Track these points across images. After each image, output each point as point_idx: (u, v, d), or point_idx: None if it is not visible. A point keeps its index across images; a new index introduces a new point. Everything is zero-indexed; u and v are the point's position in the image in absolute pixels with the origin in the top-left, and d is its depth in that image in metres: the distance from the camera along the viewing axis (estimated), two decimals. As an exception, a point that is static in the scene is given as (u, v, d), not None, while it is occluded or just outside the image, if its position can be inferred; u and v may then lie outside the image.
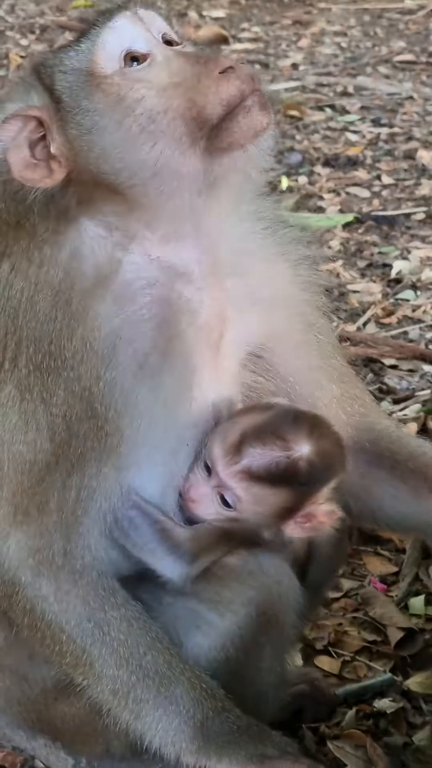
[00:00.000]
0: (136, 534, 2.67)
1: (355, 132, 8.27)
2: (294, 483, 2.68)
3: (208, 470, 2.70)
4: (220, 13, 11.49)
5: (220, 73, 2.50)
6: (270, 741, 2.65)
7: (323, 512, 2.74)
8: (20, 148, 2.56)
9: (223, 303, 2.76)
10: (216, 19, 11.37)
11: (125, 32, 2.59)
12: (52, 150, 2.58)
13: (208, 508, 2.72)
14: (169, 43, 2.66)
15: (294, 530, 2.76)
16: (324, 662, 3.45)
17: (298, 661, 3.37)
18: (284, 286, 2.89)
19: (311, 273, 2.96)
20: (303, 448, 2.67)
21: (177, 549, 2.68)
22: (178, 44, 2.69)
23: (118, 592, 2.67)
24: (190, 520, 2.76)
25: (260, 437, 2.66)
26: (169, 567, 2.68)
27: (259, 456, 2.65)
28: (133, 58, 2.57)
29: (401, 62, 9.99)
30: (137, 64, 2.57)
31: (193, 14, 11.39)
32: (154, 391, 2.65)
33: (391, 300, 5.79)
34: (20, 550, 2.63)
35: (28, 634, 2.69)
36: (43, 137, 2.58)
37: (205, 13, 11.50)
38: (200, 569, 2.69)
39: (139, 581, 2.73)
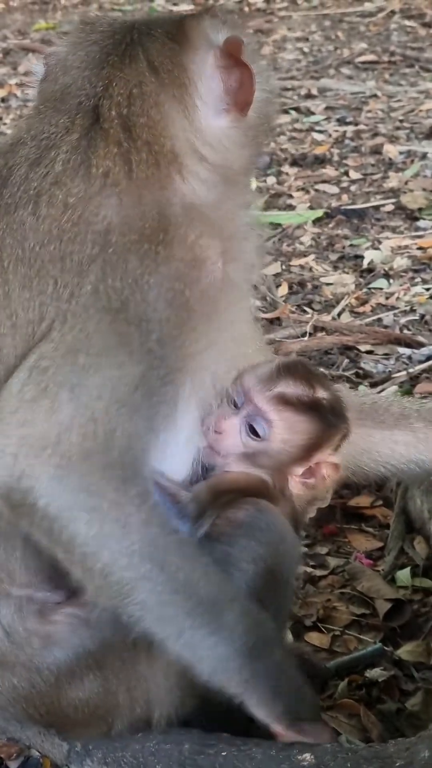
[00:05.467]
0: None
1: (321, 131, 8.34)
2: (320, 415, 2.86)
3: (236, 406, 2.85)
4: (182, 28, 11.54)
5: None
6: (306, 703, 2.64)
7: (330, 464, 2.88)
8: None
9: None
10: (178, 33, 11.43)
11: None
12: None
13: (233, 440, 2.84)
14: None
15: (297, 486, 2.87)
16: (314, 638, 3.46)
17: (288, 637, 3.37)
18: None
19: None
20: (322, 392, 2.89)
21: (183, 511, 2.74)
22: None
23: (169, 521, 2.64)
24: (206, 469, 2.83)
25: (292, 372, 2.88)
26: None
27: (291, 386, 2.85)
28: None
29: (364, 62, 10.08)
30: None
31: (155, 29, 11.44)
32: (212, 352, 2.74)
33: (365, 290, 5.83)
34: (90, 475, 2.52)
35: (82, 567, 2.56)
36: None
37: (167, 27, 11.55)
38: (203, 529, 2.74)
39: None
